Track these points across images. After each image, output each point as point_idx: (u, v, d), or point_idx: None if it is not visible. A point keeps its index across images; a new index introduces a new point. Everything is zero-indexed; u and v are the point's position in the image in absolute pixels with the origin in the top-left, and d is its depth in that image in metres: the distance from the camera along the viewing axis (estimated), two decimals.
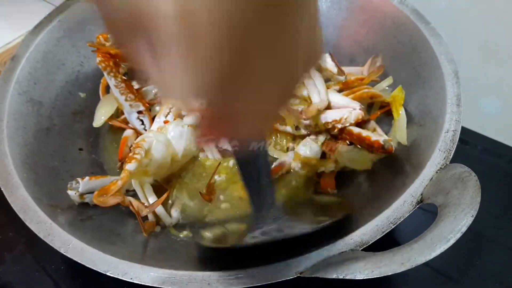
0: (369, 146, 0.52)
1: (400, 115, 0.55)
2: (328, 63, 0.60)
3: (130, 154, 0.49)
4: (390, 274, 0.33)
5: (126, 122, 0.60)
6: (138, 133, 0.59)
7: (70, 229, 0.42)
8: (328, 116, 0.55)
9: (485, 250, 0.55)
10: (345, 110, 0.54)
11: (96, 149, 0.61)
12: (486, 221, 0.54)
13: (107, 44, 0.57)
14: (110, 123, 0.61)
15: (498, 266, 0.53)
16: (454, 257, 0.53)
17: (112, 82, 0.57)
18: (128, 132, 0.59)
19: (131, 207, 0.48)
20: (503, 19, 0.66)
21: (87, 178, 0.49)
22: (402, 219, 0.40)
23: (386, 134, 0.56)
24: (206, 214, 0.53)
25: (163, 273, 0.38)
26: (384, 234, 0.39)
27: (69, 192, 0.49)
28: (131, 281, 0.38)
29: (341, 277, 0.34)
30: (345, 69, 0.62)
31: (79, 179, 0.49)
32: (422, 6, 0.59)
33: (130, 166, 0.47)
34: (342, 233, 0.40)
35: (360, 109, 0.54)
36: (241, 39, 0.20)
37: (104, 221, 0.48)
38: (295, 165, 0.55)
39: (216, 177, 0.55)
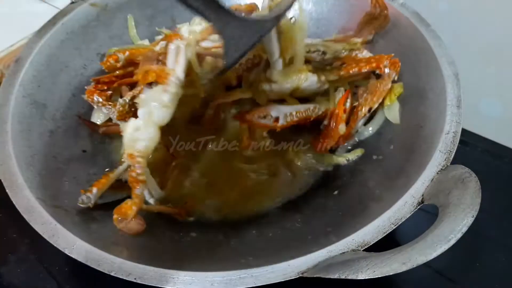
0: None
1: (394, 101, 0.57)
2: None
3: (134, 175, 0.46)
4: (391, 274, 0.33)
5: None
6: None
7: (74, 230, 0.43)
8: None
9: (486, 251, 0.55)
10: None
11: (101, 150, 0.61)
12: (486, 222, 0.54)
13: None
14: (108, 127, 0.62)
15: (499, 267, 0.54)
16: (455, 258, 0.54)
17: (104, 111, 0.60)
18: None
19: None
20: (503, 21, 0.67)
21: (94, 190, 0.49)
22: (403, 220, 0.40)
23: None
24: None
25: (166, 273, 0.38)
26: (385, 234, 0.39)
27: (83, 205, 0.49)
28: (135, 281, 0.38)
29: (343, 277, 0.34)
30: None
31: (88, 194, 0.48)
32: (422, 9, 0.60)
33: (139, 191, 0.46)
34: (343, 234, 0.40)
35: None
36: None
37: (108, 221, 0.48)
38: None
39: None
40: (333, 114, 0.58)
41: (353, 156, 0.57)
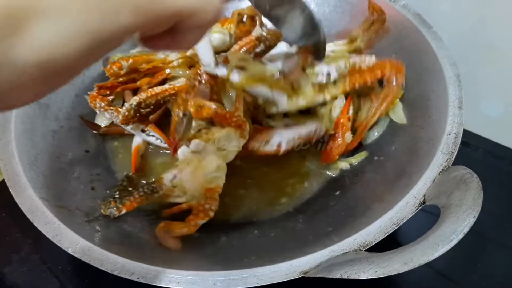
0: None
1: (396, 103, 0.57)
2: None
3: (207, 207, 0.46)
4: (393, 274, 0.33)
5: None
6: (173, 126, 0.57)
7: (77, 230, 0.43)
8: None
9: (487, 251, 0.55)
10: None
11: (103, 151, 0.61)
12: (487, 223, 0.55)
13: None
14: (108, 128, 0.63)
15: (500, 268, 0.54)
16: (456, 259, 0.54)
17: (107, 115, 0.60)
18: (137, 141, 0.60)
19: None
20: (504, 22, 0.67)
21: (124, 211, 0.48)
22: (405, 220, 0.40)
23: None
24: None
25: (169, 273, 0.38)
26: (387, 235, 0.40)
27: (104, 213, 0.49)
28: (138, 281, 0.38)
29: (345, 277, 0.34)
30: None
31: (116, 213, 0.48)
32: (424, 10, 0.60)
33: (201, 222, 0.46)
34: (345, 234, 0.40)
35: None
36: None
37: (111, 221, 0.49)
38: None
39: None
40: (338, 123, 0.57)
41: (357, 160, 0.57)
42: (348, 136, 0.56)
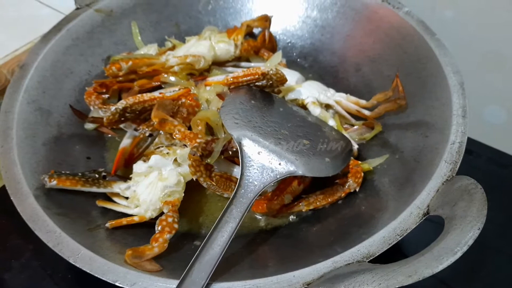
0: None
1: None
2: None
3: (170, 221, 0.47)
4: (397, 286, 0.33)
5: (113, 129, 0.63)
6: (135, 141, 0.58)
7: (79, 239, 0.43)
8: None
9: (489, 260, 0.55)
10: None
11: (105, 158, 0.61)
12: (490, 231, 0.54)
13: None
14: (99, 129, 0.63)
15: (502, 276, 0.54)
16: (458, 267, 0.53)
17: (101, 113, 0.60)
18: (125, 143, 0.60)
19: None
20: (507, 30, 0.67)
21: (54, 182, 0.49)
22: (408, 231, 0.40)
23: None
24: None
25: (171, 283, 0.38)
26: (390, 245, 0.39)
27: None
28: None
29: None
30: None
31: (46, 180, 0.49)
32: (427, 17, 0.60)
33: (169, 236, 0.46)
34: (349, 244, 0.40)
35: None
36: None
37: (112, 230, 0.48)
38: None
39: None
40: (286, 181, 0.53)
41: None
42: (288, 197, 0.53)
